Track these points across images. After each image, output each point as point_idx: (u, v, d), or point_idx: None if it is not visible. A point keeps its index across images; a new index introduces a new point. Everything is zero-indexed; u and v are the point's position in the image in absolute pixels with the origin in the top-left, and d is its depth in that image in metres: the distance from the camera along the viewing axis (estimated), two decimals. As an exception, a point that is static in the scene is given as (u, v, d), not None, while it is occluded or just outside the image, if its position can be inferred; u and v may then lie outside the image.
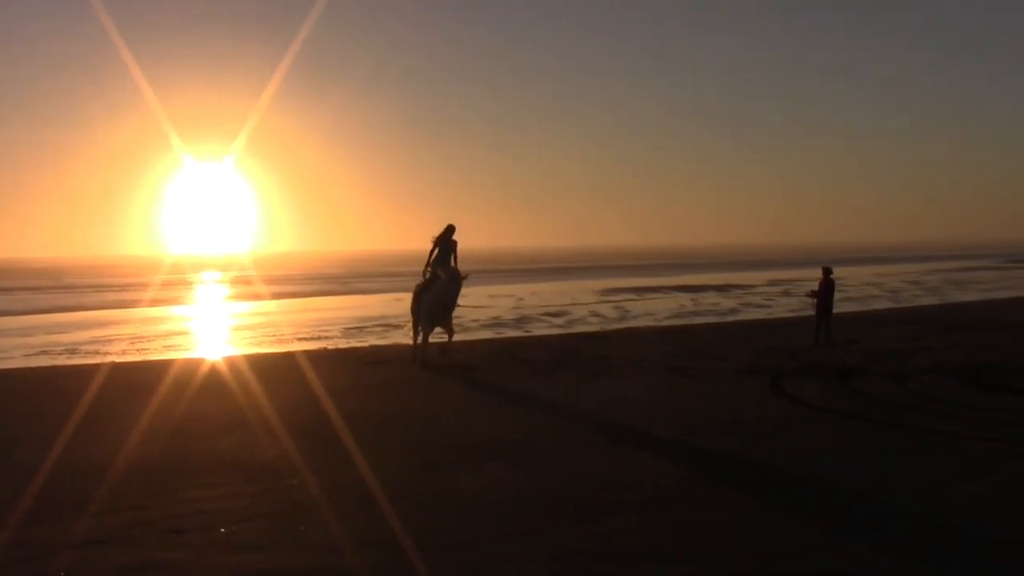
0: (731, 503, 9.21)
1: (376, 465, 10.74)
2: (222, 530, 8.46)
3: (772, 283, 63.32)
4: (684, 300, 46.61)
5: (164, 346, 27.56)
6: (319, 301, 51.75)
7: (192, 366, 20.55)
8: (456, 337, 21.77)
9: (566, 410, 14.48)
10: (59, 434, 12.54)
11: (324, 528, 8.45)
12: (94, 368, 20.59)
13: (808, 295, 25.02)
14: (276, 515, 8.90)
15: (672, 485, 9.89)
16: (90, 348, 27.27)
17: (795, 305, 39.69)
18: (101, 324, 36.84)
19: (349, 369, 19.92)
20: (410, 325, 21.73)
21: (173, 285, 69.63)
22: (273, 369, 19.86)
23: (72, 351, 26.61)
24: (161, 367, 20.49)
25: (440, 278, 19.82)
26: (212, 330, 34.83)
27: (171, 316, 41.32)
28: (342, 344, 26.70)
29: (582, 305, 43.21)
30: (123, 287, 70.22)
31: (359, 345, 26.03)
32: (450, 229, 20.20)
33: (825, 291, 23.54)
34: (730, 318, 35.35)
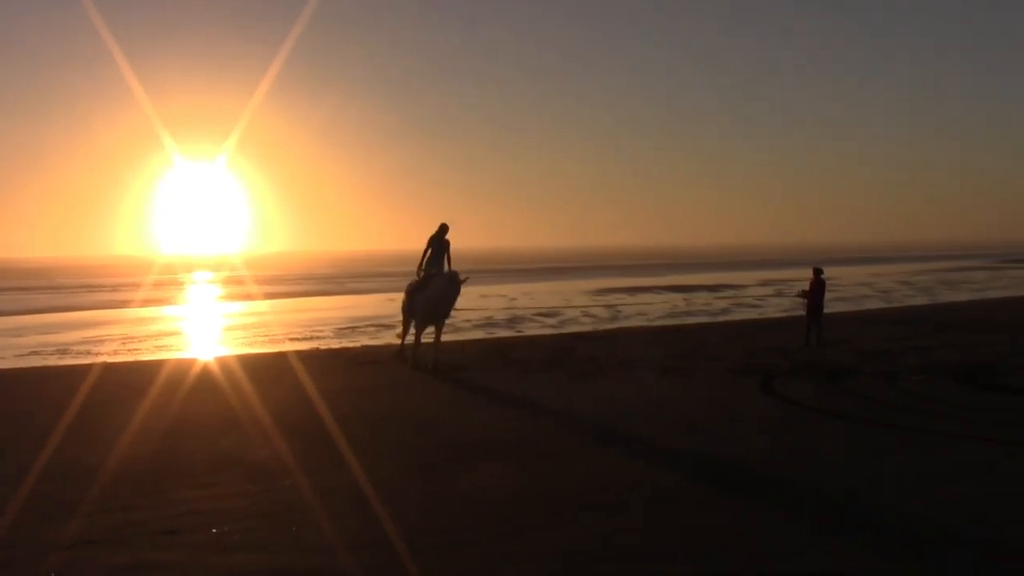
0: (727, 503, 9.20)
1: (371, 466, 10.70)
2: (214, 531, 8.43)
3: (765, 283, 63.40)
4: (677, 300, 46.64)
5: (156, 346, 27.49)
6: (311, 301, 51.68)
7: (184, 366, 20.49)
8: (448, 337, 21.69)
9: (560, 411, 14.46)
10: (50, 435, 12.49)
11: (317, 529, 8.42)
12: (86, 368, 20.51)
13: (799, 295, 25.04)
14: (269, 516, 8.86)
15: (669, 485, 9.88)
16: (81, 348, 27.18)
17: (787, 305, 39.77)
18: (92, 324, 36.72)
19: (342, 369, 19.88)
20: (400, 324, 21.49)
21: (165, 285, 69.50)
22: (265, 369, 19.81)
23: (63, 351, 26.52)
24: (153, 368, 20.44)
25: (436, 278, 19.54)
26: (204, 330, 34.75)
27: (163, 316, 41.23)
28: (334, 344, 26.66)
29: (575, 305, 43.21)
30: (114, 287, 70.04)
31: (351, 345, 25.99)
32: (443, 228, 20.02)
33: (816, 291, 23.56)
34: (722, 318, 35.38)
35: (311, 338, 29.08)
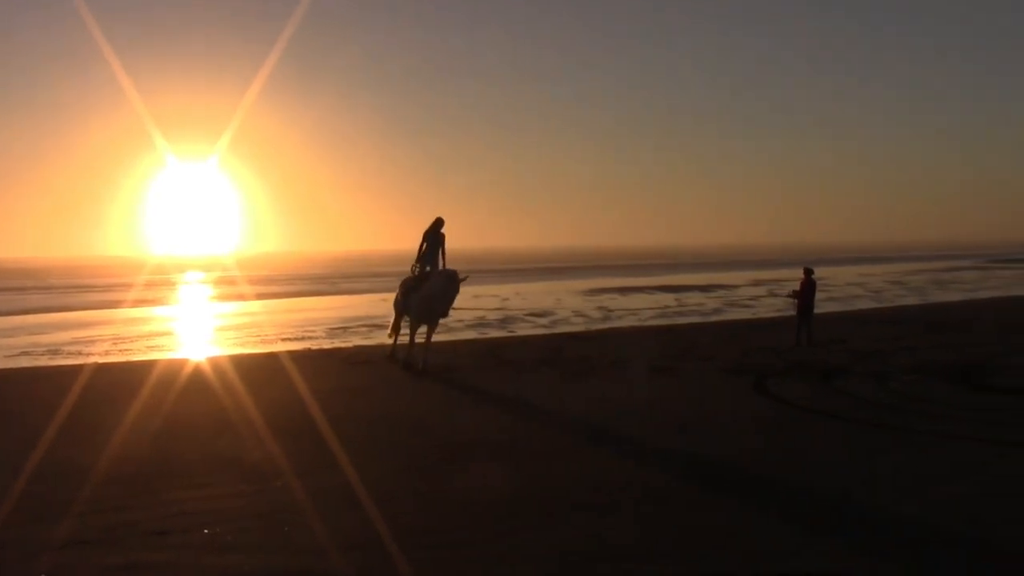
0: (720, 503, 9.21)
1: (365, 467, 10.69)
2: (206, 531, 8.41)
3: (757, 283, 63.47)
4: (669, 300, 46.68)
5: (147, 347, 27.43)
6: (303, 301, 51.63)
7: (175, 367, 20.45)
8: (440, 337, 21.55)
9: (552, 411, 14.47)
10: (42, 435, 12.45)
11: (310, 530, 8.39)
12: (77, 369, 20.47)
13: (790, 295, 25.09)
14: (261, 517, 8.84)
15: (662, 485, 9.90)
16: (73, 349, 27.11)
17: (779, 305, 39.81)
18: (84, 325, 36.63)
19: (334, 370, 19.86)
20: (391, 323, 21.15)
21: (156, 286, 69.34)
22: (257, 370, 19.78)
23: (55, 352, 26.45)
24: (144, 368, 20.38)
25: (433, 276, 19.19)
26: (195, 331, 34.69)
27: (154, 317, 41.14)
28: (326, 344, 26.63)
29: (567, 306, 43.22)
30: (106, 288, 69.85)
31: (343, 345, 25.97)
32: (439, 222, 19.70)
33: (806, 291, 23.60)
34: (714, 318, 35.43)
35: (303, 338, 29.04)
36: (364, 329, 31.65)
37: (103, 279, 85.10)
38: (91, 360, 23.14)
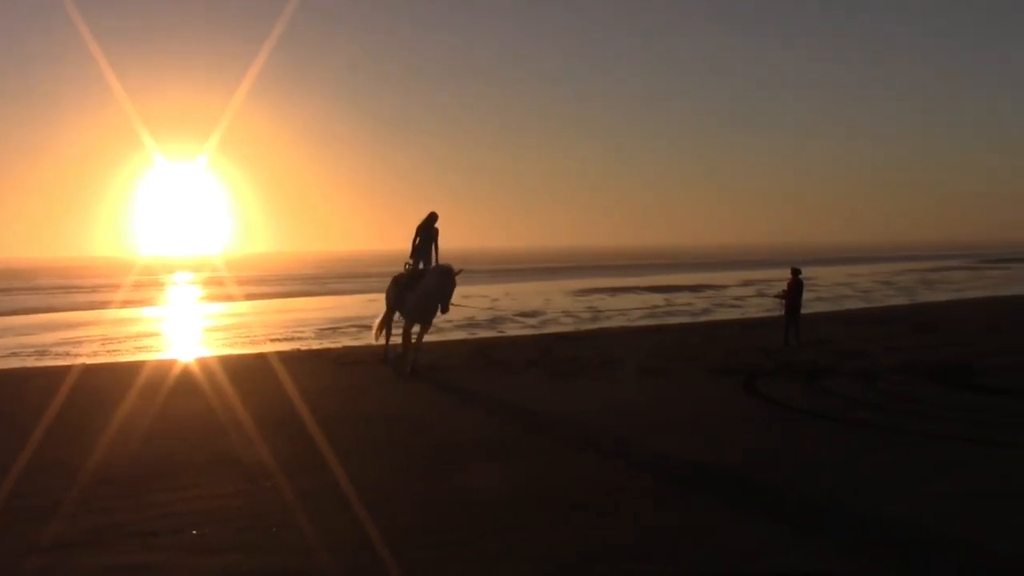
0: (713, 503, 9.23)
1: (361, 467, 10.72)
2: (195, 532, 8.41)
3: (746, 283, 63.62)
4: (658, 300, 46.77)
5: (136, 348, 27.38)
6: (293, 302, 51.61)
7: (164, 368, 20.41)
8: (429, 338, 21.35)
9: (544, 411, 14.49)
10: (30, 437, 12.41)
11: (300, 531, 8.39)
12: (65, 370, 20.41)
13: (777, 296, 25.17)
14: (251, 517, 8.83)
15: (656, 485, 9.95)
16: (61, 350, 27.06)
17: (768, 305, 39.89)
18: (72, 326, 36.55)
19: (323, 370, 19.85)
20: (377, 323, 20.65)
21: (145, 286, 69.15)
22: (247, 371, 19.75)
23: (43, 353, 26.39)
24: (133, 369, 20.34)
25: (428, 273, 18.80)
26: (183, 332, 34.64)
27: (143, 318, 41.06)
28: (315, 345, 26.63)
29: (556, 306, 43.27)
30: (94, 288, 69.68)
31: (332, 346, 25.98)
32: (433, 217, 19.39)
33: (793, 292, 23.67)
34: (703, 318, 35.53)
35: (292, 339, 29.03)
36: (353, 330, 31.64)
37: (91, 280, 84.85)
38: (79, 361, 23.09)
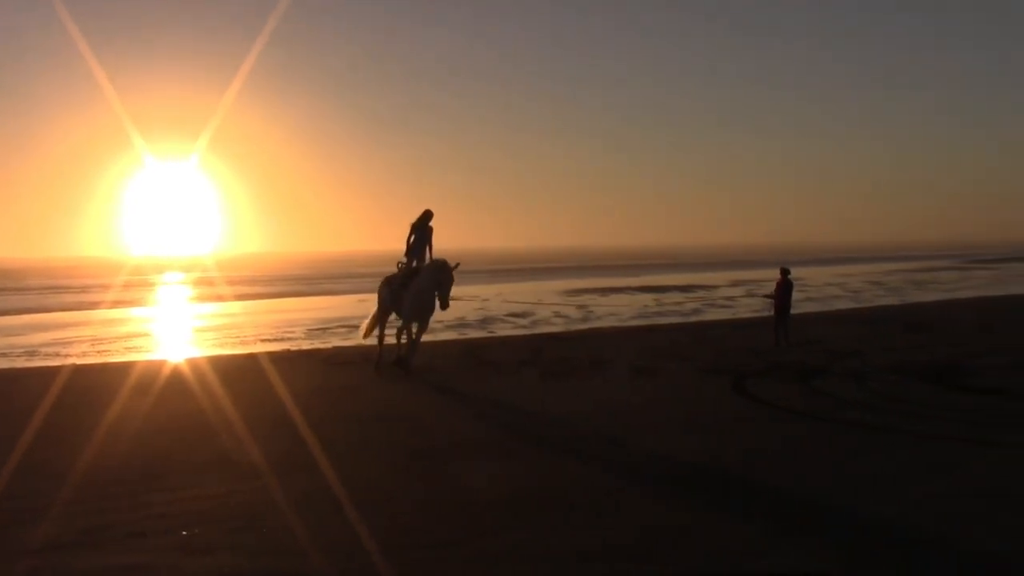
0: (707, 503, 9.24)
1: (360, 467, 10.72)
2: (184, 533, 8.38)
3: (736, 283, 63.71)
4: (649, 300, 46.82)
5: (126, 348, 27.30)
6: (283, 302, 51.51)
7: (154, 368, 20.34)
8: (422, 338, 21.04)
9: (537, 411, 14.48)
10: (19, 438, 12.35)
11: (290, 532, 8.36)
12: (54, 371, 20.33)
13: (766, 296, 25.20)
14: (240, 518, 8.80)
15: (652, 485, 9.97)
16: (50, 350, 26.96)
17: (758, 305, 39.97)
18: (61, 326, 36.43)
19: (314, 370, 19.81)
20: (367, 323, 20.27)
21: (134, 287, 68.97)
22: (237, 371, 19.70)
23: (32, 353, 26.29)
24: (123, 369, 20.27)
25: (423, 270, 18.37)
26: (173, 332, 34.55)
27: (133, 318, 40.94)
28: (305, 345, 26.58)
29: (548, 306, 43.26)
30: (83, 289, 69.42)
31: (322, 346, 25.94)
32: (427, 215, 19.04)
33: (783, 292, 23.71)
34: (694, 318, 35.57)
35: (282, 339, 28.98)
36: (343, 330, 31.57)
37: (81, 280, 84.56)
38: (69, 362, 23.01)
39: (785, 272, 24.16)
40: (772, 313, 24.07)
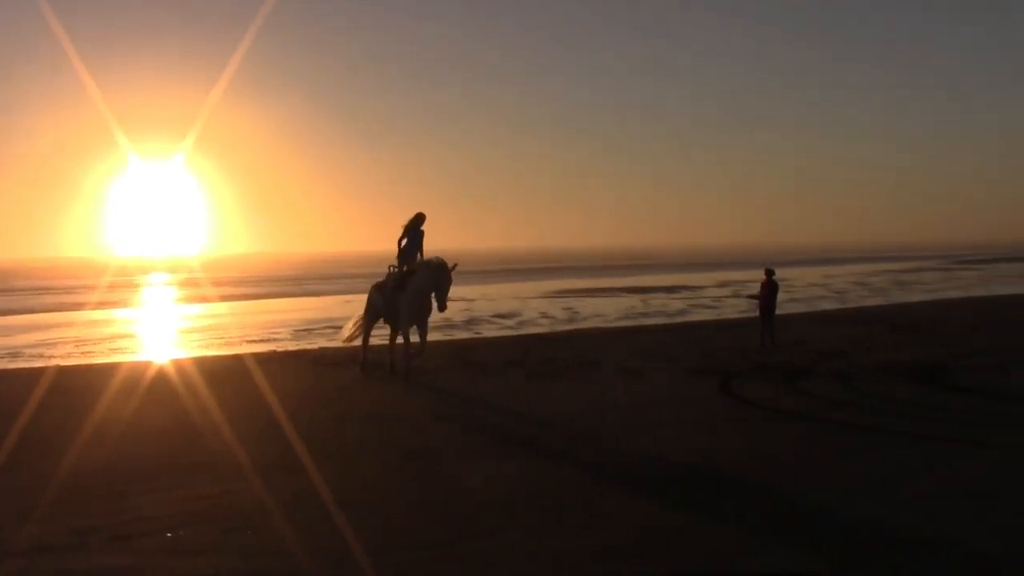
0: (701, 503, 9.25)
1: (355, 468, 10.70)
2: (168, 535, 8.33)
3: (722, 284, 63.84)
4: (636, 302, 46.87)
5: (111, 349, 27.17)
6: (270, 304, 51.40)
7: (139, 370, 20.24)
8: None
9: (527, 412, 14.48)
10: (3, 440, 12.24)
11: (277, 533, 8.31)
12: (38, 372, 20.21)
13: (751, 296, 25.24)
14: (225, 520, 8.74)
15: (646, 485, 9.99)
16: (34, 352, 26.81)
17: (744, 306, 40.07)
18: (46, 327, 36.26)
19: (307, 372, 19.76)
20: (350, 324, 20.10)
21: (120, 288, 68.64)
22: (224, 372, 19.63)
23: (15, 355, 26.14)
24: (108, 371, 20.16)
25: (419, 271, 17.92)
26: (159, 333, 34.41)
27: (118, 319, 40.75)
28: (291, 346, 26.51)
29: (534, 307, 43.29)
30: (68, 290, 69.13)
31: (309, 347, 25.88)
32: (420, 218, 18.63)
33: (768, 293, 23.74)
34: (679, 319, 35.62)
35: (269, 340, 28.90)
36: (329, 331, 31.46)
37: (66, 281, 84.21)
38: (53, 363, 22.88)
39: (770, 273, 24.19)
40: (757, 314, 24.11)
